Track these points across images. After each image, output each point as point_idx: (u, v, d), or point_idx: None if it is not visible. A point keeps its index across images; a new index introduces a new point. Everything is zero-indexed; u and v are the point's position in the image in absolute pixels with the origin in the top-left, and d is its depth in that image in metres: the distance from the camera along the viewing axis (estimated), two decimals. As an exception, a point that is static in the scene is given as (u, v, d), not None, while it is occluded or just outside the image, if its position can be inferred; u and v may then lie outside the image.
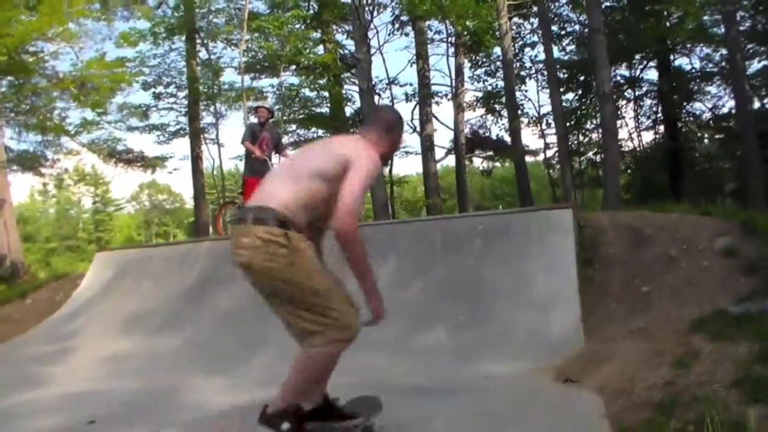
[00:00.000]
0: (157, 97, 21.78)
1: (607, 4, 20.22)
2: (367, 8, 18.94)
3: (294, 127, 22.77)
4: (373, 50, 19.75)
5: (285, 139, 20.98)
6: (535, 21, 21.95)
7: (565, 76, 21.93)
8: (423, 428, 3.57)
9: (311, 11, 20.06)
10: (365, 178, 2.86)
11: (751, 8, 18.57)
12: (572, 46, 22.97)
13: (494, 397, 4.07)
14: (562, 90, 20.40)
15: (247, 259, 2.80)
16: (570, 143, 21.30)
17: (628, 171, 23.22)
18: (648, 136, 24.59)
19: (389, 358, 5.24)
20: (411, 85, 22.20)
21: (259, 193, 2.96)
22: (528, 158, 24.38)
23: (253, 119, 10.67)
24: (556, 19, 21.91)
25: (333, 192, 2.86)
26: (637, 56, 21.57)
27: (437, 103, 22.68)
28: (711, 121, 22.64)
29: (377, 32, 21.02)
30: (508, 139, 22.31)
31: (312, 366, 2.89)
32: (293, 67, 20.39)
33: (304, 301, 2.82)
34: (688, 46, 21.11)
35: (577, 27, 22.33)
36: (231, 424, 3.61)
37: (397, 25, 21.37)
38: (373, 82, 19.55)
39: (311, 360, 2.88)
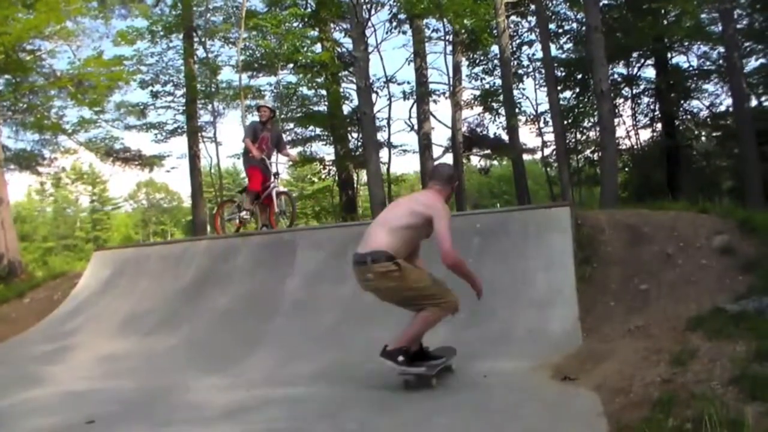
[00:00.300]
0: (155, 95, 21.74)
1: (605, 2, 20.19)
2: (364, 6, 18.91)
3: (292, 125, 22.75)
4: (370, 48, 19.73)
5: (284, 137, 20.98)
6: (533, 19, 21.96)
7: (563, 74, 21.90)
8: (423, 426, 3.58)
9: (309, 9, 20.03)
10: (447, 221, 4.25)
11: (748, 6, 18.61)
12: (570, 45, 22.93)
13: (493, 395, 4.08)
14: (559, 88, 20.38)
15: (374, 286, 4.35)
16: (567, 141, 21.31)
17: (626, 169, 23.21)
18: (645, 134, 24.62)
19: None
20: (409, 83, 22.18)
21: (367, 240, 4.37)
22: (525, 156, 24.41)
23: (254, 118, 10.76)
24: (553, 17, 21.87)
25: (419, 234, 4.40)
26: (635, 54, 21.55)
27: (435, 101, 22.68)
28: (708, 119, 22.64)
29: (375, 30, 20.97)
30: (505, 137, 22.30)
31: (425, 322, 4.32)
32: (291, 65, 20.34)
33: (420, 295, 4.31)
34: (686, 44, 21.10)
35: (574, 25, 22.32)
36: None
37: (394, 24, 21.33)
38: (371, 81, 19.54)
39: (426, 319, 4.31)
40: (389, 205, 4.97)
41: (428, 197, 4.49)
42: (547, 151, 24.31)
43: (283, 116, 20.88)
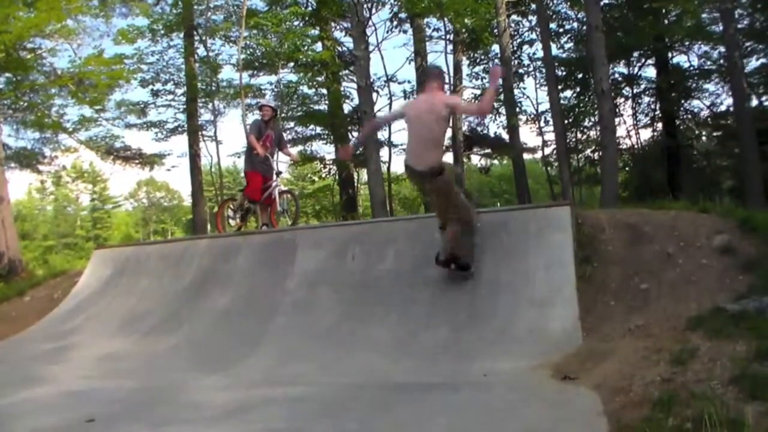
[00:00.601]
0: (155, 94, 21.70)
1: (606, 1, 20.18)
2: (365, 5, 18.89)
3: (292, 124, 22.74)
4: (371, 47, 19.71)
5: (284, 136, 20.94)
6: (534, 18, 21.94)
7: (564, 73, 21.87)
8: (424, 426, 3.58)
9: (310, 8, 20.02)
10: (458, 101, 6.15)
11: (749, 6, 18.57)
12: (570, 44, 22.91)
13: (493, 394, 4.08)
14: (560, 87, 20.35)
15: (436, 192, 5.66)
16: (568, 141, 21.28)
17: (626, 168, 23.17)
18: (646, 134, 24.61)
19: (390, 356, 5.25)
20: (409, 82, 22.18)
21: (421, 156, 5.48)
22: (526, 156, 24.40)
23: (256, 116, 10.72)
24: (554, 16, 21.85)
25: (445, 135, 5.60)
26: (636, 54, 21.50)
27: (435, 100, 22.62)
28: (709, 119, 22.60)
29: (375, 29, 20.93)
30: (506, 136, 22.30)
31: (456, 237, 5.71)
32: (291, 64, 20.33)
33: (456, 200, 5.66)
34: (687, 43, 21.07)
35: (575, 24, 22.30)
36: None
37: (395, 23, 21.31)
38: (372, 80, 19.49)
39: (455, 234, 5.68)
40: (415, 123, 5.59)
41: (432, 98, 5.47)
42: (547, 151, 24.31)
43: (283, 115, 20.86)
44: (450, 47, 22.49)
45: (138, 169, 22.88)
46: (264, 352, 5.80)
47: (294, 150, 17.08)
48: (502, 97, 21.27)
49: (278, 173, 9.26)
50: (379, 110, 20.50)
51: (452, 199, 5.66)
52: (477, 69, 23.66)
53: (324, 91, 21.33)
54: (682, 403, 3.15)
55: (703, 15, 18.65)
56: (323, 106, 22.10)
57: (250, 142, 9.04)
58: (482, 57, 23.33)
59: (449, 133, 22.54)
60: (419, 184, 5.73)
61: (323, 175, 24.89)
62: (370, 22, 19.81)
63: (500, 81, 6.13)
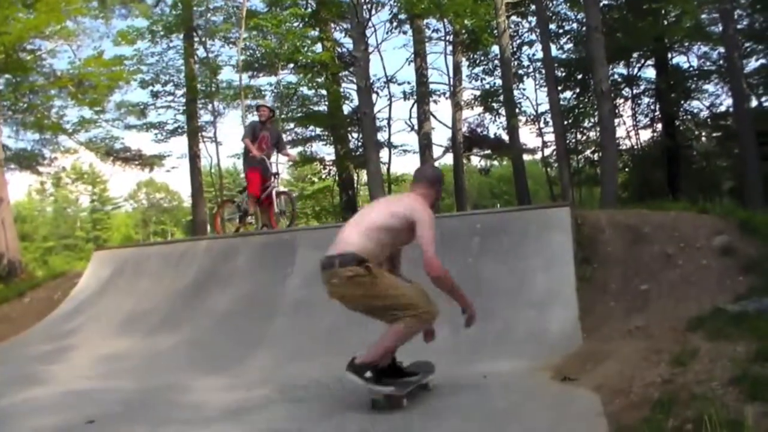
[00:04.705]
0: (155, 95, 21.75)
1: (605, 2, 20.21)
2: (365, 6, 18.91)
3: (292, 125, 22.76)
4: (371, 48, 19.72)
5: (283, 138, 20.98)
6: (533, 19, 21.97)
7: (563, 74, 21.91)
8: (424, 427, 3.57)
9: (309, 9, 20.04)
10: (430, 229, 3.85)
11: (748, 6, 18.60)
12: (570, 45, 22.97)
13: (493, 395, 4.07)
14: (559, 88, 20.38)
15: (340, 293, 3.89)
16: (568, 141, 21.31)
17: (626, 169, 23.21)
18: (646, 135, 24.62)
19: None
20: (409, 83, 22.21)
21: (338, 242, 3.93)
22: (526, 157, 24.41)
23: (254, 117, 10.87)
24: (553, 17, 21.90)
25: (398, 238, 3.99)
26: (635, 54, 21.55)
27: (435, 101, 22.72)
28: (708, 120, 22.65)
29: (375, 30, 20.98)
30: (505, 137, 22.32)
31: (398, 336, 3.84)
32: (291, 65, 20.36)
33: (394, 305, 3.82)
34: (686, 44, 21.13)
35: (574, 25, 22.33)
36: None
37: (395, 24, 21.34)
38: (371, 81, 19.54)
39: (399, 332, 3.83)
40: (365, 206, 4.80)
41: (411, 200, 4.04)
42: (547, 152, 24.38)
43: (283, 116, 20.89)
44: (450, 48, 22.53)
45: (138, 171, 23.00)
46: (264, 353, 5.80)
47: (293, 151, 17.10)
48: (501, 97, 21.32)
49: (275, 174, 9.33)
50: (378, 111, 20.57)
51: (380, 301, 3.87)
52: (477, 70, 23.72)
53: (324, 92, 21.36)
54: (682, 404, 3.14)
55: (703, 15, 18.69)
56: (323, 107, 22.12)
57: (245, 145, 9.26)
58: (482, 58, 23.35)
59: (448, 134, 22.63)
60: (326, 279, 3.92)
61: (323, 176, 24.91)
62: (370, 23, 19.85)
63: (467, 305, 4.12)
